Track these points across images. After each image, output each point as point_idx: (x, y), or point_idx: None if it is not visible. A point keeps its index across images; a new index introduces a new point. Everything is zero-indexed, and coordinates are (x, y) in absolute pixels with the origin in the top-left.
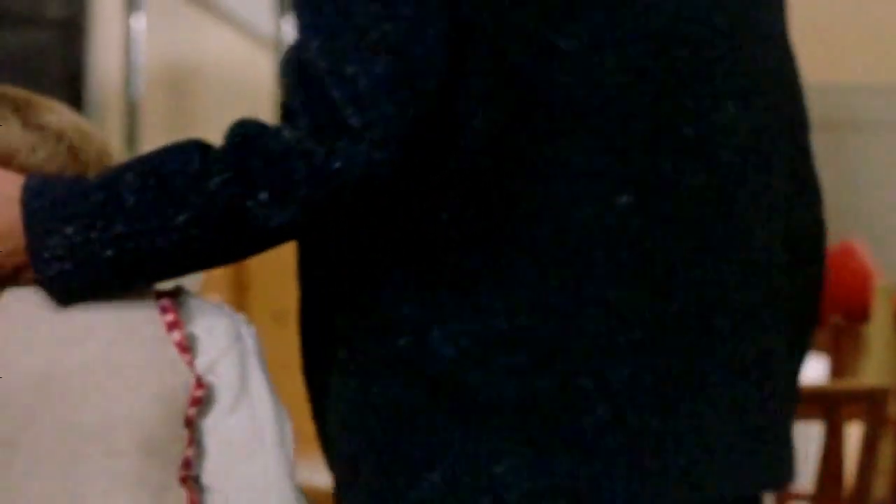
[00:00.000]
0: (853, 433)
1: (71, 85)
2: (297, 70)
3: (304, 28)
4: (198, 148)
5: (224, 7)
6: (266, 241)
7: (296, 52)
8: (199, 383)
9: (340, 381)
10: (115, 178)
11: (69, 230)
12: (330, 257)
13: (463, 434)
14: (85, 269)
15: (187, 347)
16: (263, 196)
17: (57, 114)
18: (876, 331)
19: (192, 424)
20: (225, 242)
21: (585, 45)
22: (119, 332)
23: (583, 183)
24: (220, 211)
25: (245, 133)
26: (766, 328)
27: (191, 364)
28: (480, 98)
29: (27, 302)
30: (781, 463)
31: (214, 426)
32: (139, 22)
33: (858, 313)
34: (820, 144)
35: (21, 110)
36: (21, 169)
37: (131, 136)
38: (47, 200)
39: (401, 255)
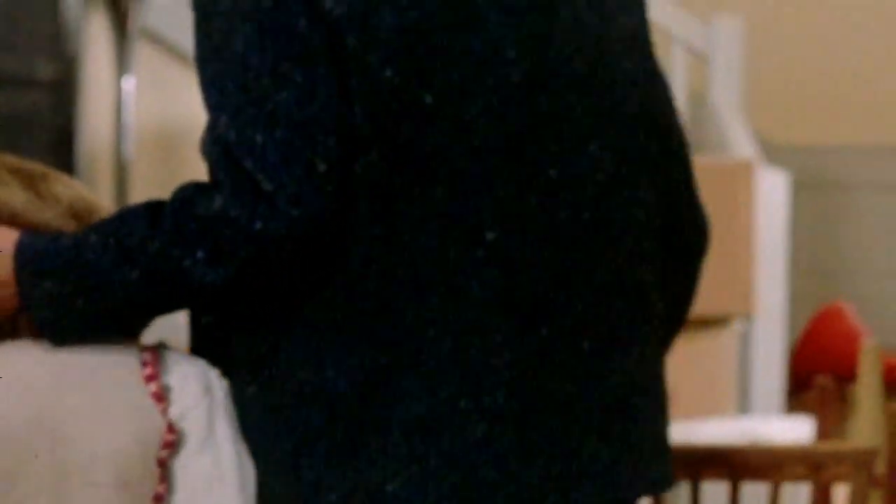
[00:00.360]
0: (840, 494)
1: (62, 146)
2: (213, 146)
3: (213, 108)
4: (148, 211)
5: None
6: (206, 294)
7: (210, 131)
8: (171, 429)
9: (252, 415)
10: (82, 239)
11: (48, 284)
12: (238, 305)
13: (357, 457)
14: (63, 317)
15: (162, 397)
16: (200, 255)
17: (68, 187)
18: (863, 392)
19: (163, 464)
20: (171, 295)
21: (448, 98)
22: (104, 382)
23: (454, 222)
24: (163, 268)
25: (184, 199)
26: (634, 350)
27: (164, 412)
28: (359, 148)
29: (25, 353)
30: (648, 471)
31: (183, 466)
32: (129, 83)
33: (847, 375)
34: (807, 206)
35: (35, 182)
36: (28, 224)
37: (122, 197)
38: (30, 257)
39: (298, 297)
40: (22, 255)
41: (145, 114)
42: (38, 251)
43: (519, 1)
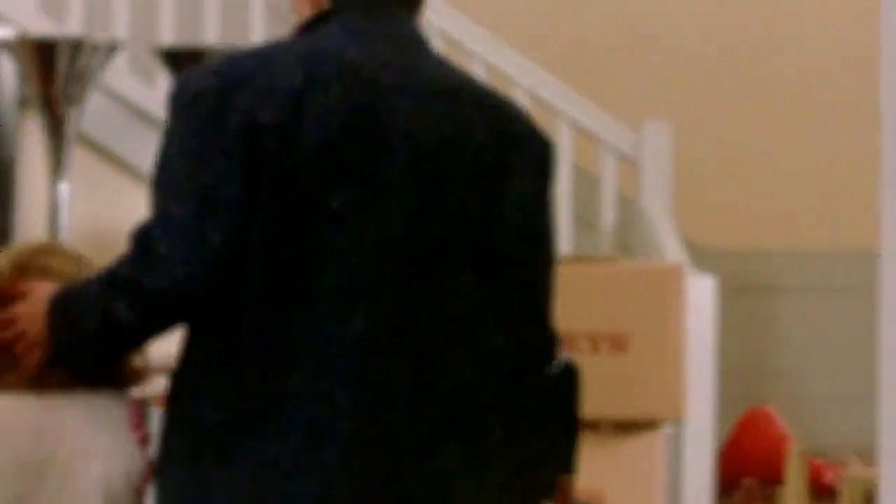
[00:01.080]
0: None
1: None
2: (141, 222)
3: (152, 184)
4: (116, 260)
5: (148, 174)
6: (130, 333)
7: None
8: (151, 465)
9: (162, 436)
10: (86, 285)
11: (57, 316)
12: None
13: (209, 481)
14: (61, 343)
15: (146, 441)
16: (120, 301)
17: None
18: (790, 494)
19: (141, 492)
20: (114, 329)
21: (353, 207)
22: (101, 428)
23: (335, 306)
24: (105, 307)
25: (120, 262)
26: (445, 447)
27: (146, 453)
28: (257, 228)
29: (41, 406)
30: None
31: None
32: (64, 188)
33: (773, 477)
34: (735, 308)
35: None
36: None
37: None
38: (54, 297)
39: (193, 340)
40: (54, 296)
41: (79, 218)
42: (61, 294)
43: (427, 142)
